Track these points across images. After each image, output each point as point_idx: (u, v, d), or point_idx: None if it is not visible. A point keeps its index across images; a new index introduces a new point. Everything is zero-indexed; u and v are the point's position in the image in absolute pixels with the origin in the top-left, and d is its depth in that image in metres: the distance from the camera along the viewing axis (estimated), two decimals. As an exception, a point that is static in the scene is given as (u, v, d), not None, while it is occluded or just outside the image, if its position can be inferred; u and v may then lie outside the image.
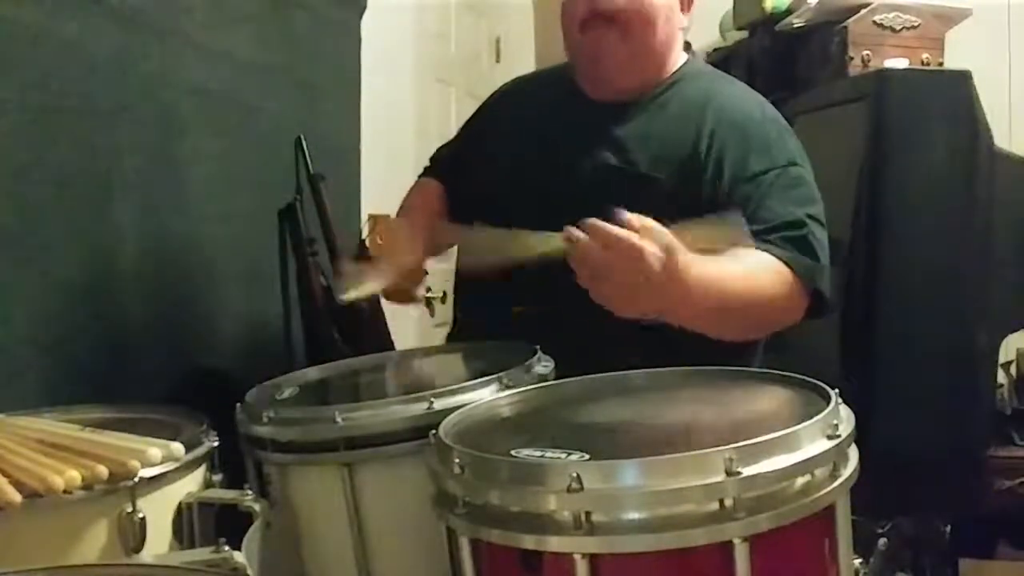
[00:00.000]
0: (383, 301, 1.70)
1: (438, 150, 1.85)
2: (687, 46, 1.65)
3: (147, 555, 1.00)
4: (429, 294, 1.63)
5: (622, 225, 1.10)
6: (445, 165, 1.77)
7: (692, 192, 1.47)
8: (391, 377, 1.49)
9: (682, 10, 1.57)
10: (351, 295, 1.47)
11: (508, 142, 1.63)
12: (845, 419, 0.95)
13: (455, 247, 1.76)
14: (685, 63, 1.61)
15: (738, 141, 1.49)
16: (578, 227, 1.11)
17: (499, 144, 1.65)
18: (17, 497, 0.94)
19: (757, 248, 1.37)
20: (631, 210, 1.36)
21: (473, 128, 1.78)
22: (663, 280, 1.12)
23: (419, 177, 1.81)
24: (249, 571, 0.95)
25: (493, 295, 1.57)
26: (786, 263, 1.37)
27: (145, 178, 1.62)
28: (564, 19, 1.57)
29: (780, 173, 1.47)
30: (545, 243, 1.16)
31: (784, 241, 1.40)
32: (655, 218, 1.25)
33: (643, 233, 1.11)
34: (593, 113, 1.57)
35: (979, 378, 2.26)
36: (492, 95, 1.79)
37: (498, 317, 1.52)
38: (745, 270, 1.32)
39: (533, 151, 1.59)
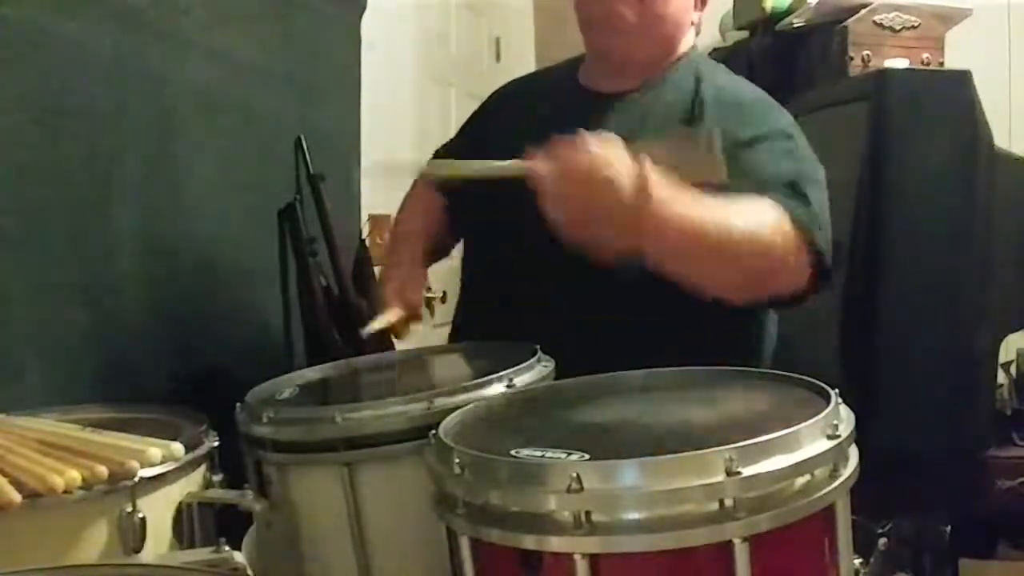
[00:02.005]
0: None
1: (436, 153, 1.85)
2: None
3: (147, 555, 1.00)
4: (429, 294, 1.63)
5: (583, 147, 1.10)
6: None
7: None
8: (391, 377, 1.49)
9: (696, 7, 1.58)
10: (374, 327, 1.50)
11: (511, 141, 1.62)
12: (845, 419, 0.95)
13: (455, 249, 1.76)
14: (684, 54, 1.61)
15: (732, 115, 1.48)
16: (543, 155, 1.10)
17: (502, 144, 1.63)
18: (17, 497, 0.94)
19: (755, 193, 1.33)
20: None
21: (473, 130, 1.77)
22: (633, 205, 1.10)
23: (416, 180, 1.79)
24: (249, 571, 0.95)
25: (496, 296, 1.57)
26: (781, 206, 1.32)
27: (145, 178, 1.62)
28: None
29: (776, 142, 1.46)
30: (509, 169, 1.16)
31: (782, 196, 1.35)
32: None
33: (608, 151, 1.10)
34: (595, 106, 1.56)
35: (979, 378, 2.26)
36: (490, 97, 1.78)
37: (499, 318, 1.52)
38: (734, 206, 1.26)
39: (537, 148, 1.58)
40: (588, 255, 1.17)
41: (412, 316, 1.56)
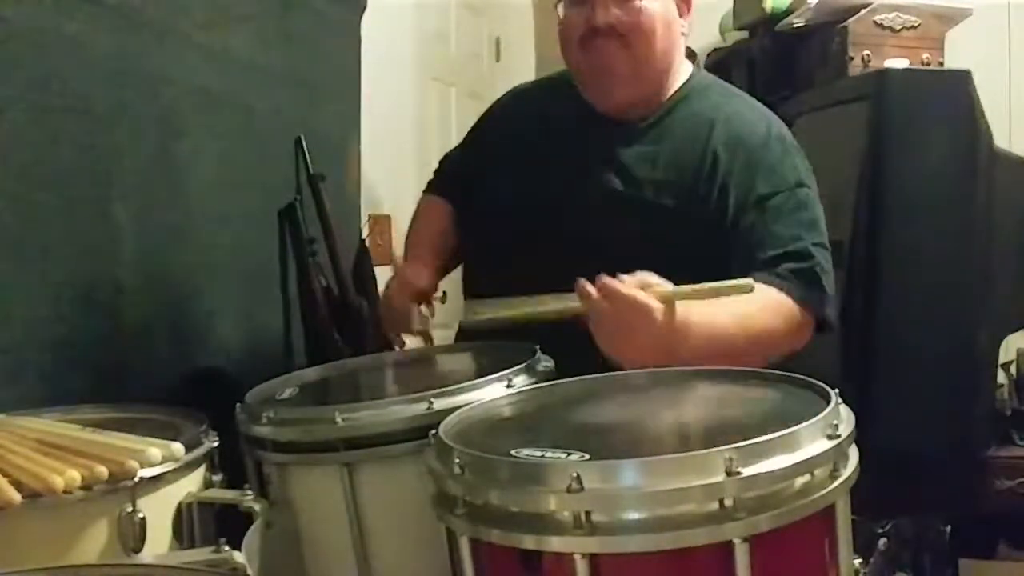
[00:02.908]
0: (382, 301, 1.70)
1: (442, 161, 1.85)
2: (691, 55, 1.65)
3: (147, 555, 1.00)
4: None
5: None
6: (450, 180, 1.78)
7: (697, 216, 1.49)
8: (391, 377, 1.49)
9: (681, 15, 1.56)
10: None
11: (514, 159, 1.63)
12: (845, 419, 0.95)
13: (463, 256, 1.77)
14: (691, 77, 1.61)
15: (744, 163, 1.49)
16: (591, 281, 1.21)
17: (505, 161, 1.64)
18: (17, 497, 0.94)
19: (764, 281, 1.38)
20: (636, 234, 1.47)
21: (478, 141, 1.77)
22: (663, 331, 1.20)
23: (424, 191, 1.81)
24: (249, 571, 0.95)
25: (497, 295, 1.57)
26: (794, 299, 1.40)
27: (145, 178, 1.62)
28: (562, 40, 1.56)
29: (787, 196, 1.47)
30: (561, 304, 1.25)
31: (791, 274, 1.41)
32: (660, 243, 1.39)
33: (643, 289, 1.20)
34: (600, 133, 1.56)
35: (979, 378, 2.26)
36: (497, 103, 1.78)
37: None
38: (747, 313, 1.34)
39: (540, 171, 1.59)
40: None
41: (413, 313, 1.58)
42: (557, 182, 1.55)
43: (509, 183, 1.60)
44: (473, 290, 1.68)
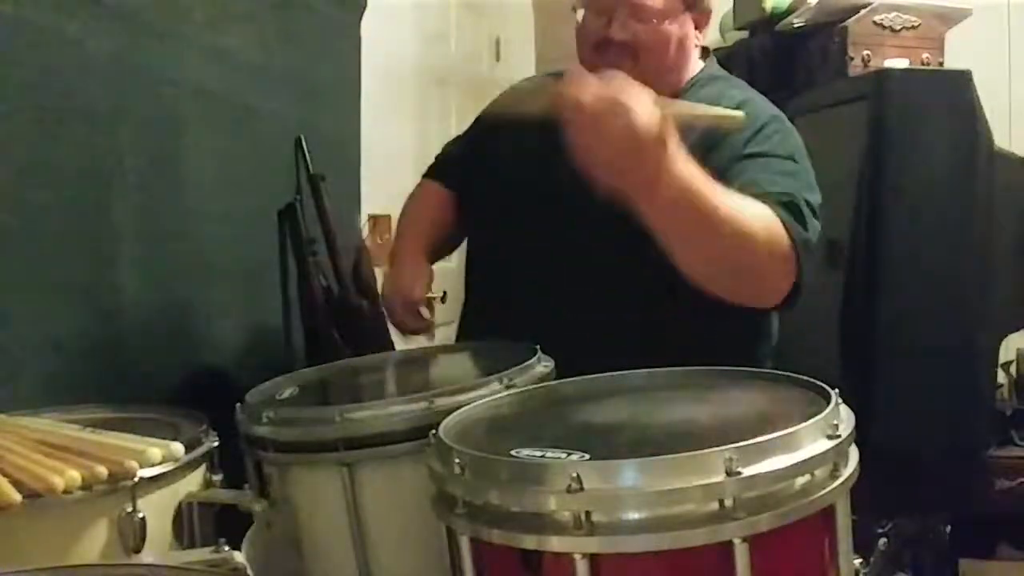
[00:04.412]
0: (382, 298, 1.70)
1: (444, 148, 1.85)
2: (706, 52, 1.66)
3: (147, 555, 1.00)
4: (429, 294, 1.63)
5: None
6: (450, 166, 1.77)
7: None
8: (391, 377, 1.49)
9: (698, 28, 1.57)
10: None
11: (517, 137, 1.64)
12: (845, 419, 0.95)
13: (457, 250, 1.76)
14: (700, 71, 1.61)
15: (746, 131, 1.47)
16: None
17: (507, 140, 1.65)
18: (17, 497, 0.94)
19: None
20: None
21: (477, 128, 1.77)
22: (649, 140, 1.12)
23: (423, 177, 1.80)
24: (249, 571, 0.95)
25: (498, 296, 1.57)
26: (779, 217, 1.33)
27: (145, 178, 1.62)
28: (578, 38, 1.57)
29: (781, 161, 1.45)
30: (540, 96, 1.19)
31: (780, 205, 1.35)
32: None
33: (628, 87, 1.13)
34: None
35: (979, 378, 2.26)
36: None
37: (502, 317, 1.52)
38: (734, 197, 1.27)
39: (541, 144, 1.59)
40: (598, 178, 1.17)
41: (414, 313, 1.56)
42: (557, 156, 1.56)
43: (511, 162, 1.60)
44: (477, 278, 1.68)
